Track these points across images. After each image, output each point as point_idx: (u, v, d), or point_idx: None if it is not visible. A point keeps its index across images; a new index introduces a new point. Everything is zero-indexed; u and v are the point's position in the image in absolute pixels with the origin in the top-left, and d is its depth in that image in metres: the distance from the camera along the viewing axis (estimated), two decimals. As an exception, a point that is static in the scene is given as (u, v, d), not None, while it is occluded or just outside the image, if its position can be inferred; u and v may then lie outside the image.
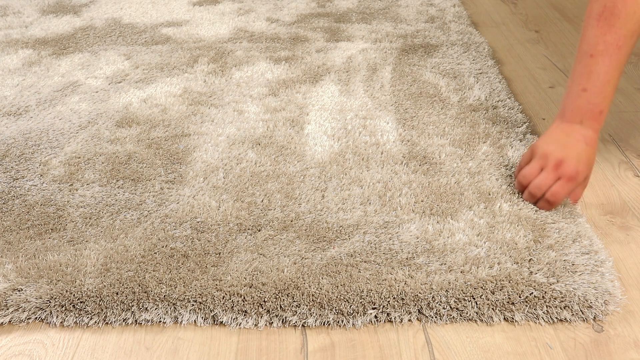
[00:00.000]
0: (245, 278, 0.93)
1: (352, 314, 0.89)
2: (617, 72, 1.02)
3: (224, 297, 0.90)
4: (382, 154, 1.22)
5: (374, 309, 0.89)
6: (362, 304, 0.89)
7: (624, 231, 1.06)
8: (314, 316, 0.88)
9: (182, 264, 0.96)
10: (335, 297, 0.89)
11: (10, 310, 0.90)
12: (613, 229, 1.06)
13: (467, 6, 2.11)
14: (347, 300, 0.89)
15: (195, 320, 0.90)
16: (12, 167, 1.21)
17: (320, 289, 0.90)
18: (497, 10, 2.09)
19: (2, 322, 0.90)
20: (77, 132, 1.33)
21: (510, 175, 1.14)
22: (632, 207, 1.11)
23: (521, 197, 1.08)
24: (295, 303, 0.89)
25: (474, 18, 2.00)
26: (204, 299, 0.90)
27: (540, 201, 1.04)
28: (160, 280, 0.93)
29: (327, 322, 0.89)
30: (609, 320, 0.88)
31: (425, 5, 2.07)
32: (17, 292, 0.92)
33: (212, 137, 1.30)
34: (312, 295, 0.90)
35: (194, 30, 1.89)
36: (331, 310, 0.89)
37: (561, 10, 2.07)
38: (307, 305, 0.89)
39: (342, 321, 0.88)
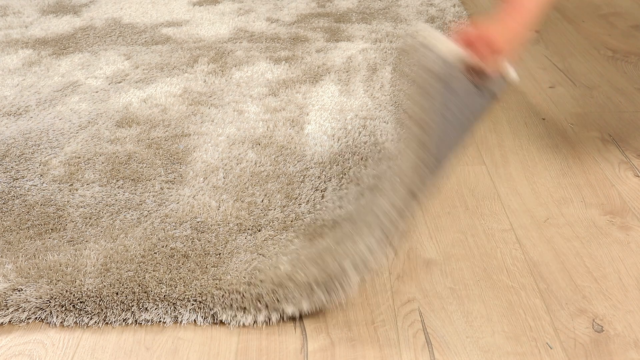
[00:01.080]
0: (245, 277, 0.93)
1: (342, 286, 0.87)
2: None
3: (223, 295, 0.90)
4: (382, 153, 1.22)
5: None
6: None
7: (624, 231, 1.06)
8: (307, 300, 0.87)
9: (182, 264, 0.96)
10: (324, 281, 0.88)
11: (10, 310, 0.90)
12: (613, 229, 1.06)
13: (467, 6, 2.11)
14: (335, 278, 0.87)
15: (195, 320, 0.89)
16: (12, 167, 1.21)
17: (311, 276, 0.89)
18: (497, 10, 2.09)
19: (2, 322, 0.90)
20: (77, 132, 1.33)
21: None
22: (632, 207, 1.11)
23: None
24: (290, 294, 0.88)
25: (474, 18, 2.00)
26: (203, 298, 0.90)
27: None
28: (160, 280, 0.93)
29: (326, 322, 0.88)
30: (609, 320, 0.88)
31: (425, 5, 2.07)
32: (17, 292, 0.92)
33: (212, 137, 1.30)
34: (305, 283, 0.88)
35: (194, 30, 1.89)
36: (322, 291, 0.87)
37: (561, 10, 2.07)
38: (299, 293, 0.88)
39: (342, 321, 0.88)
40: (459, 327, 0.88)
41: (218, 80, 1.55)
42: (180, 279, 0.93)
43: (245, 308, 0.89)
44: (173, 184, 1.15)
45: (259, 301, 0.89)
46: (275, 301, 0.89)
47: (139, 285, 0.92)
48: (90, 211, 1.08)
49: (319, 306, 0.89)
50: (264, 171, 1.18)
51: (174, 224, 1.05)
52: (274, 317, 0.89)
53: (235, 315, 0.89)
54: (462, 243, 1.03)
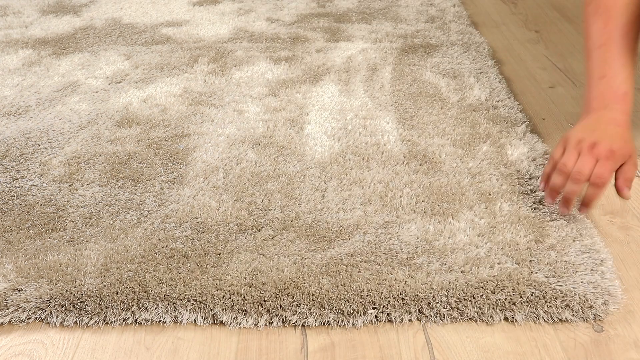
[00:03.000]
0: (245, 278, 0.93)
1: (352, 313, 0.89)
2: (631, 55, 1.01)
3: (223, 296, 0.90)
4: (382, 154, 1.22)
5: (374, 308, 0.89)
6: (363, 304, 0.89)
7: (624, 231, 1.06)
8: (314, 316, 0.88)
9: (182, 264, 0.96)
10: (335, 297, 0.89)
11: (10, 310, 0.90)
12: (613, 229, 1.06)
13: (467, 6, 2.11)
14: (347, 300, 0.89)
15: (195, 320, 0.90)
16: (12, 167, 1.21)
17: (320, 288, 0.90)
18: (497, 10, 2.09)
19: (2, 322, 0.90)
20: (77, 132, 1.33)
21: (511, 174, 1.14)
22: (632, 207, 1.11)
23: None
24: (295, 302, 0.89)
25: (474, 18, 2.00)
26: (203, 299, 0.90)
27: (588, 188, 0.97)
28: (160, 280, 0.93)
29: (327, 322, 0.88)
30: (609, 320, 0.88)
31: (425, 5, 2.07)
32: (17, 292, 0.92)
33: (212, 137, 1.30)
34: (312, 294, 0.90)
35: (194, 30, 1.89)
36: (331, 309, 0.88)
37: (561, 10, 2.07)
38: (307, 305, 0.89)
39: (342, 321, 0.88)
40: (459, 326, 0.88)
41: (218, 80, 1.55)
42: (180, 278, 0.93)
43: (246, 311, 0.89)
44: (173, 184, 1.15)
45: (261, 305, 0.89)
46: (279, 308, 0.89)
47: (139, 285, 0.92)
48: (90, 211, 1.08)
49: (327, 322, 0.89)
50: (264, 171, 1.18)
51: (174, 224, 1.05)
52: (276, 322, 0.89)
53: (236, 317, 0.89)
54: (462, 243, 1.02)
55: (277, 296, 0.90)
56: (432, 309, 0.89)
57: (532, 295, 0.89)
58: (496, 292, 0.90)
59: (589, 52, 1.05)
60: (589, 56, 1.05)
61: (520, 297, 0.89)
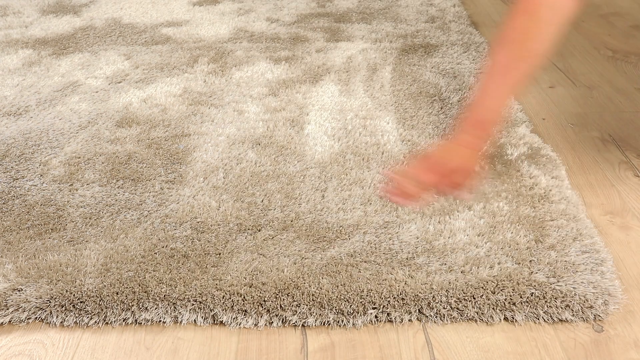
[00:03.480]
0: (245, 278, 0.93)
1: (352, 313, 0.89)
2: (505, 90, 1.07)
3: (223, 296, 0.90)
4: (382, 154, 1.22)
5: (374, 308, 0.89)
6: (362, 304, 0.89)
7: (624, 231, 1.06)
8: (314, 316, 0.88)
9: (182, 264, 0.96)
10: (335, 297, 0.89)
11: (10, 310, 0.90)
12: (613, 229, 1.06)
13: (467, 6, 2.11)
14: (347, 300, 0.89)
15: (195, 320, 0.90)
16: (12, 167, 1.21)
17: (320, 288, 0.90)
18: (497, 10, 2.09)
19: (2, 322, 0.90)
20: (77, 132, 1.33)
21: (511, 174, 1.14)
22: (632, 207, 1.11)
23: (510, 198, 1.08)
24: (295, 302, 0.89)
25: (474, 18, 2.00)
26: (203, 299, 0.90)
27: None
28: (160, 280, 0.93)
29: (327, 322, 0.88)
30: (609, 320, 0.88)
31: (425, 5, 2.07)
32: (17, 292, 0.92)
33: (212, 137, 1.30)
34: (312, 294, 0.90)
35: (194, 30, 1.89)
36: (331, 309, 0.88)
37: (561, 10, 2.07)
38: (307, 305, 0.89)
39: (342, 321, 0.88)
40: (459, 326, 0.88)
41: (218, 80, 1.55)
42: (180, 278, 0.93)
43: (246, 311, 0.89)
44: (173, 184, 1.15)
45: (261, 305, 0.89)
46: (279, 308, 0.89)
47: (139, 285, 0.92)
48: (90, 211, 1.08)
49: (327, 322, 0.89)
50: (264, 171, 1.18)
51: (174, 224, 1.05)
52: (276, 322, 0.89)
53: (236, 318, 0.89)
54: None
55: (277, 296, 0.90)
56: (432, 309, 0.89)
57: (532, 295, 0.89)
58: (496, 292, 0.90)
59: (489, 72, 1.10)
60: (488, 75, 1.10)
61: (520, 297, 0.89)
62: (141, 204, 1.10)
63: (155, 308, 0.90)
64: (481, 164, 1.11)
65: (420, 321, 0.89)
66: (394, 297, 0.89)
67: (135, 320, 0.90)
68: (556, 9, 1.02)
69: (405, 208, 1.07)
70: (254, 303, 0.90)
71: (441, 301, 0.89)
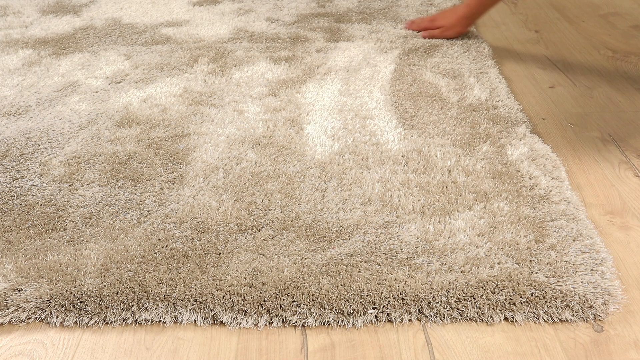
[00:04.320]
0: (245, 278, 0.93)
1: (352, 313, 0.89)
2: None
3: (223, 296, 0.90)
4: (382, 153, 1.22)
5: (374, 308, 0.89)
6: (362, 304, 0.89)
7: (624, 231, 1.06)
8: (314, 316, 0.88)
9: (182, 264, 0.96)
10: (335, 297, 0.89)
11: (10, 310, 0.90)
12: (613, 229, 1.06)
13: (467, 6, 2.11)
14: (347, 300, 0.89)
15: (195, 320, 0.90)
16: (12, 167, 1.21)
17: (320, 288, 0.90)
18: (497, 10, 2.09)
19: (2, 322, 0.90)
20: (77, 132, 1.33)
21: (511, 174, 1.14)
22: (632, 207, 1.11)
23: (519, 196, 1.08)
24: (295, 303, 0.89)
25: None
26: (204, 299, 0.90)
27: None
28: (160, 280, 0.93)
29: (327, 322, 0.88)
30: (609, 320, 0.88)
31: (425, 5, 2.07)
32: (17, 292, 0.92)
33: (212, 137, 1.30)
34: (312, 295, 0.90)
35: (194, 30, 1.89)
36: (331, 310, 0.89)
37: (561, 10, 2.07)
38: (307, 305, 0.89)
39: (342, 321, 0.88)
40: (459, 326, 0.88)
41: (218, 80, 1.55)
42: (180, 279, 0.93)
43: (246, 311, 0.89)
44: (173, 184, 1.15)
45: (261, 305, 0.89)
46: (279, 308, 0.89)
47: (139, 285, 0.92)
48: (90, 211, 1.08)
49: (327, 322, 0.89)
50: (264, 171, 1.18)
51: (174, 224, 1.05)
52: (276, 322, 0.89)
53: (236, 318, 0.89)
54: (462, 243, 1.02)
55: (277, 296, 0.90)
56: (432, 309, 0.89)
57: (532, 295, 0.89)
58: (496, 292, 0.90)
59: None
60: None
61: (520, 297, 0.89)
62: (141, 204, 1.10)
63: (155, 308, 0.90)
64: (462, 23, 1.72)
65: (420, 321, 0.89)
66: (394, 297, 0.89)
67: (135, 320, 0.90)
68: None
69: (405, 208, 1.07)
70: (254, 303, 0.90)
71: (441, 301, 0.89)
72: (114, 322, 0.90)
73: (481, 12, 1.72)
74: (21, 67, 1.65)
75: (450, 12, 1.77)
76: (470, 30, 1.81)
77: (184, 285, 0.92)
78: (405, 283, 0.91)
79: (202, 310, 0.90)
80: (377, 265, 0.94)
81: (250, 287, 0.91)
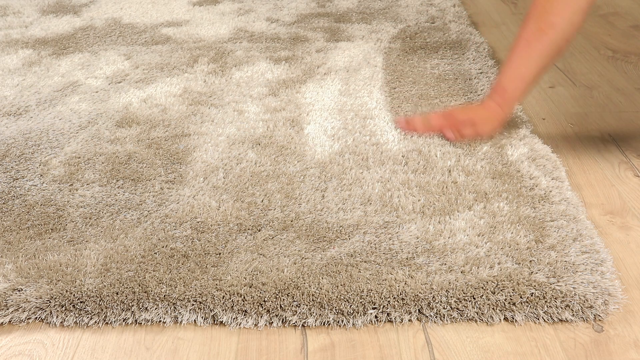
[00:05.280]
0: (245, 278, 0.93)
1: (352, 314, 0.89)
2: (528, 62, 1.20)
3: (224, 296, 0.90)
4: (382, 153, 1.22)
5: (374, 308, 0.89)
6: (362, 304, 0.89)
7: (624, 231, 1.06)
8: (314, 316, 0.88)
9: (182, 264, 0.96)
10: (335, 297, 0.89)
11: (10, 310, 0.90)
12: (613, 229, 1.06)
13: (467, 6, 2.11)
14: (347, 300, 0.89)
15: (195, 320, 0.90)
16: (12, 167, 1.21)
17: (320, 288, 0.90)
18: (497, 10, 2.09)
19: (2, 322, 0.90)
20: (77, 132, 1.33)
21: (511, 175, 1.14)
22: (632, 207, 1.11)
23: (519, 196, 1.08)
24: (295, 303, 0.89)
25: (474, 18, 2.00)
26: (204, 299, 0.90)
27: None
28: (160, 280, 0.93)
29: (327, 322, 0.88)
30: (609, 320, 0.88)
31: (425, 5, 2.07)
32: (17, 292, 0.92)
33: (212, 137, 1.30)
34: (312, 295, 0.90)
35: (194, 30, 1.89)
36: (331, 310, 0.88)
37: (561, 10, 2.07)
38: (307, 305, 0.89)
39: (342, 321, 0.88)
40: (459, 326, 0.88)
41: (218, 80, 1.56)
42: (180, 279, 0.93)
43: (246, 311, 0.89)
44: (173, 184, 1.15)
45: (261, 305, 0.89)
46: (279, 308, 0.89)
47: (139, 285, 0.92)
48: (90, 211, 1.08)
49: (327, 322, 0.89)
50: (264, 171, 1.18)
51: (174, 224, 1.05)
52: (276, 322, 0.89)
53: (236, 318, 0.89)
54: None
55: (277, 296, 0.90)
56: (432, 309, 0.89)
57: (532, 295, 0.89)
58: (496, 292, 0.90)
59: (514, 44, 1.23)
60: (513, 47, 1.23)
61: (520, 297, 0.89)
62: (141, 204, 1.10)
63: (155, 308, 0.90)
64: (493, 128, 1.25)
65: (420, 321, 0.89)
66: (394, 297, 0.89)
67: (135, 320, 0.90)
68: None
69: (405, 208, 1.07)
70: (254, 303, 0.90)
71: (441, 301, 0.89)
72: (114, 322, 0.90)
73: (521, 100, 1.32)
74: (21, 67, 1.65)
75: (486, 115, 1.25)
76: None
77: (184, 285, 0.92)
78: (405, 283, 0.91)
79: (202, 310, 0.90)
80: (377, 265, 0.94)
81: (250, 287, 0.91)
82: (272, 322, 0.89)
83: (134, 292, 0.91)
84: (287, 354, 0.85)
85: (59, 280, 0.93)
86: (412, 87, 1.49)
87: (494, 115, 1.24)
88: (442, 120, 1.27)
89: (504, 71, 1.23)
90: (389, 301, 0.89)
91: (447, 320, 0.89)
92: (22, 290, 0.92)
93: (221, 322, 0.89)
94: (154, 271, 0.94)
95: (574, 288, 0.90)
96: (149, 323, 0.90)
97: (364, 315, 0.88)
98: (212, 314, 0.90)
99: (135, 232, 1.03)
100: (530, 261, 0.95)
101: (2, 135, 1.33)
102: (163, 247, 0.99)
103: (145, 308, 0.90)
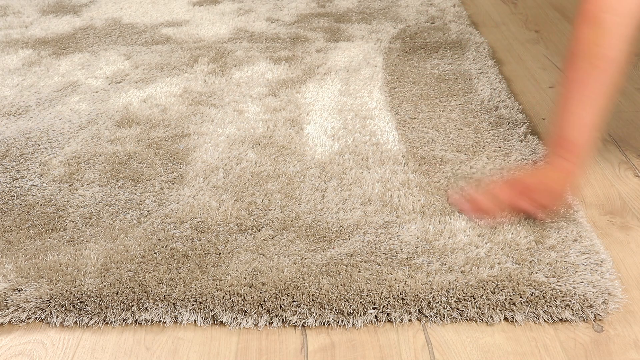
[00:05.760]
0: (245, 278, 0.93)
1: (352, 314, 0.89)
2: (589, 105, 1.03)
3: (223, 296, 0.90)
4: (382, 153, 1.22)
5: (374, 308, 0.89)
6: (362, 304, 0.89)
7: (624, 231, 1.06)
8: (314, 316, 0.88)
9: (182, 264, 0.96)
10: (335, 297, 0.89)
11: (10, 310, 0.90)
12: (613, 229, 1.06)
13: (467, 6, 2.11)
14: (347, 300, 0.89)
15: (195, 320, 0.90)
16: (12, 167, 1.21)
17: (320, 289, 0.90)
18: (497, 10, 2.09)
19: (2, 322, 0.90)
20: (77, 132, 1.33)
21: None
22: (632, 207, 1.11)
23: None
24: (295, 303, 0.89)
25: (474, 18, 2.00)
26: (204, 299, 0.90)
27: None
28: (160, 280, 0.93)
29: (327, 322, 0.88)
30: (609, 320, 0.88)
31: (425, 5, 2.07)
32: (17, 292, 0.92)
33: (212, 137, 1.30)
34: (312, 295, 0.90)
35: (194, 30, 1.89)
36: (331, 310, 0.88)
37: (561, 10, 2.07)
38: (307, 305, 0.89)
39: (342, 321, 0.88)
40: (459, 327, 0.88)
41: (218, 80, 1.55)
42: (180, 279, 0.93)
43: (246, 311, 0.89)
44: (173, 184, 1.15)
45: (261, 305, 0.89)
46: (279, 308, 0.89)
47: (139, 285, 0.92)
48: (90, 211, 1.08)
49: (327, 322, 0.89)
50: (264, 171, 1.18)
51: (174, 224, 1.05)
52: (276, 322, 0.89)
53: (236, 318, 0.89)
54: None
55: (277, 296, 0.90)
56: (432, 309, 0.89)
57: (532, 295, 0.89)
58: (496, 292, 0.90)
59: (566, 89, 1.07)
60: (566, 92, 1.07)
61: (520, 297, 0.89)
62: (141, 204, 1.10)
63: (155, 308, 0.90)
64: (570, 187, 1.06)
65: (420, 321, 0.89)
66: (394, 297, 0.89)
67: (135, 320, 0.90)
68: (619, 11, 0.98)
69: (405, 208, 1.07)
70: (254, 303, 0.90)
71: (441, 301, 0.89)
72: (114, 322, 0.90)
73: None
74: (21, 67, 1.65)
75: (558, 176, 1.06)
76: None
77: (184, 286, 0.92)
78: (405, 283, 0.91)
79: (202, 311, 0.90)
80: (377, 265, 0.94)
81: (250, 287, 0.91)
82: (272, 322, 0.89)
83: (134, 292, 0.91)
84: (287, 354, 0.85)
85: (59, 280, 0.93)
86: (412, 87, 1.49)
87: (566, 174, 1.04)
88: (509, 191, 1.05)
89: (564, 121, 1.05)
90: (389, 301, 0.89)
91: (447, 320, 0.89)
92: (22, 290, 0.92)
93: (221, 322, 0.89)
94: (154, 271, 0.94)
95: (573, 287, 0.90)
96: (149, 323, 0.90)
97: (364, 315, 0.88)
98: (212, 314, 0.90)
99: (135, 232, 1.03)
100: (530, 261, 0.95)
101: (2, 135, 1.33)
102: (163, 247, 0.99)
103: (145, 308, 0.90)
